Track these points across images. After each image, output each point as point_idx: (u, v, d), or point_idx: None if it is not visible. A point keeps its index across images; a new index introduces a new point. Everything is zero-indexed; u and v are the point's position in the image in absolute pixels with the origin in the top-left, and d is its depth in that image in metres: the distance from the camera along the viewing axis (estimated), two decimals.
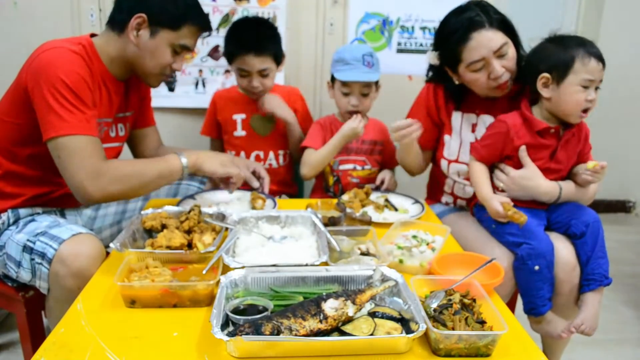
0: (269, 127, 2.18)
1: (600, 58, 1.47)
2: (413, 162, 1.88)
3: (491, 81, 1.61)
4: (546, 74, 1.51)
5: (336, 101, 2.03)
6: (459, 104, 1.78)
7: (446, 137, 1.80)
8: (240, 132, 2.18)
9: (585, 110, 1.49)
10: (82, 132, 1.38)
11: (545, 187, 1.55)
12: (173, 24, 1.53)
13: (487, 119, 1.73)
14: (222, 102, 2.21)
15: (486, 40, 1.56)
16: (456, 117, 1.78)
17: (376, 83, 2.00)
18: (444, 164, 1.82)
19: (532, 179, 1.54)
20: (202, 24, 1.61)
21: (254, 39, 1.99)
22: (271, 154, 2.20)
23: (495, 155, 1.60)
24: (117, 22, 1.54)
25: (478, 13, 1.57)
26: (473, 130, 1.75)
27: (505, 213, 1.49)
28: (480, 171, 1.61)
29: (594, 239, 1.53)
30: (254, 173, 1.86)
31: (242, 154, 2.18)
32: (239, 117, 2.17)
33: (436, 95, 1.81)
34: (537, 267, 1.45)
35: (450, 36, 1.61)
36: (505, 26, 1.59)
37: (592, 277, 1.51)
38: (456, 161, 1.78)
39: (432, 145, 1.88)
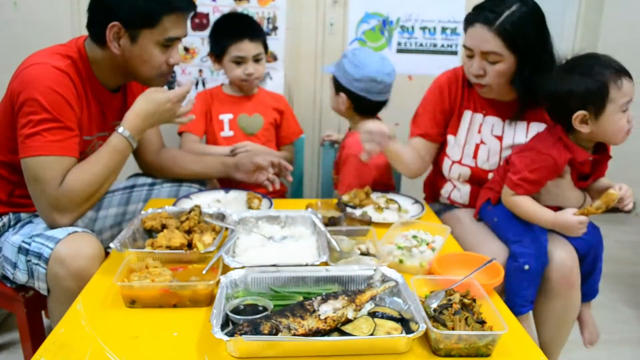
0: (256, 127, 2.16)
1: (628, 73, 1.39)
2: (404, 165, 1.76)
3: (469, 74, 1.64)
4: (582, 112, 1.40)
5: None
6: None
7: (450, 138, 1.77)
8: (227, 132, 2.14)
9: (628, 131, 1.43)
10: (46, 153, 1.35)
11: (575, 196, 1.55)
12: (150, 22, 1.42)
13: (494, 121, 1.70)
14: (209, 102, 2.18)
15: (479, 35, 1.54)
16: (466, 116, 1.74)
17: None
18: (447, 163, 1.78)
19: (566, 188, 1.54)
20: (182, 8, 1.47)
21: (246, 26, 2.07)
22: None
23: (541, 187, 1.53)
24: (95, 35, 1.46)
25: (490, 11, 1.53)
26: (479, 131, 1.73)
27: (586, 212, 1.41)
28: (529, 201, 1.51)
29: (595, 256, 1.60)
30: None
31: None
32: (225, 117, 2.14)
33: (454, 90, 1.76)
34: (527, 267, 1.45)
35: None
36: (510, 40, 1.52)
37: (588, 291, 1.62)
38: (459, 162, 1.75)
39: (440, 139, 1.79)
